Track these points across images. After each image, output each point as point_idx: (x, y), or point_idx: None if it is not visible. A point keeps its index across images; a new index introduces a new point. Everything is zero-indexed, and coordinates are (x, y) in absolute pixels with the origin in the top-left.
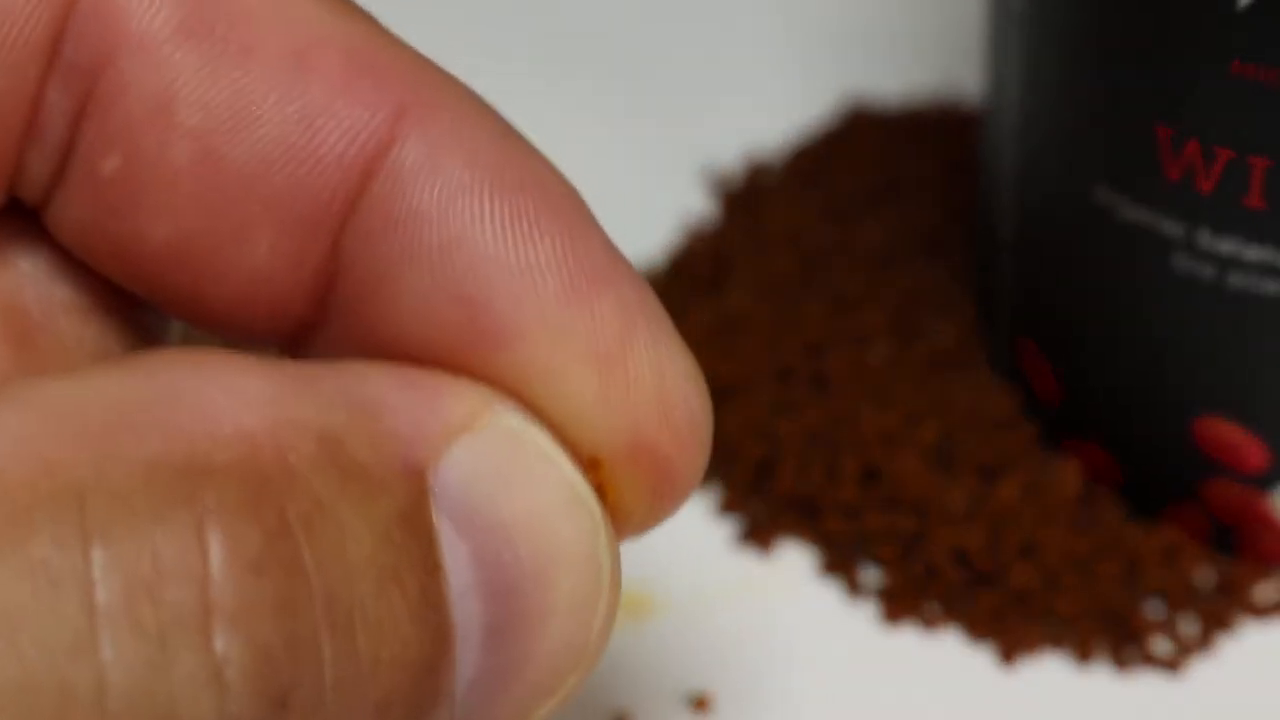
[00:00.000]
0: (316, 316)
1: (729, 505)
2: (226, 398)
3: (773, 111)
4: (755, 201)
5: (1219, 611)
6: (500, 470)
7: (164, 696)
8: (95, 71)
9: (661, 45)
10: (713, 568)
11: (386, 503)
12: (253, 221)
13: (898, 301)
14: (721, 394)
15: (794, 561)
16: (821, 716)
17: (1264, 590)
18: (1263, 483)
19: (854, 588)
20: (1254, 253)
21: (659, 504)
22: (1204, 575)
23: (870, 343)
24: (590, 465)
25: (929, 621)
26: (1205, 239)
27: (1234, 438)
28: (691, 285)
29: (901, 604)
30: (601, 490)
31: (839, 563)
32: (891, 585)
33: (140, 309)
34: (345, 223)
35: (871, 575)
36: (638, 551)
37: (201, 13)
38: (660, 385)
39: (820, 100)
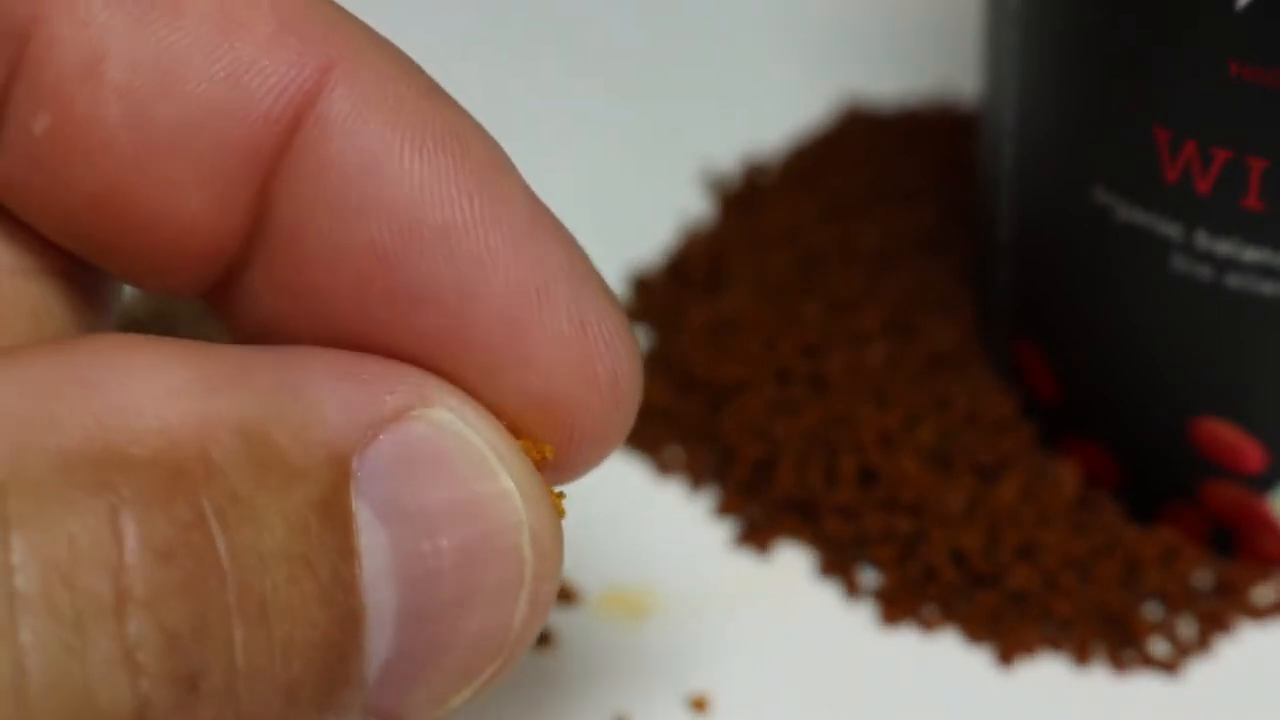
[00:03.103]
0: (242, 263)
1: (727, 506)
2: (146, 388)
3: (770, 112)
4: (753, 202)
5: (1217, 613)
6: (425, 460)
7: (80, 678)
8: (25, 32)
9: (659, 46)
10: (711, 569)
11: (306, 490)
12: (181, 176)
13: (896, 302)
14: (719, 395)
15: (792, 563)
16: (820, 718)
17: (1262, 592)
18: (1261, 484)
19: (852, 589)
20: (1252, 254)
21: (580, 455)
22: (1202, 576)
23: (868, 343)
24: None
25: (927, 623)
26: (1203, 240)
27: (1232, 439)
28: (689, 285)
29: (900, 605)
30: (541, 460)
31: (837, 564)
32: (890, 586)
33: (82, 267)
34: (272, 173)
35: (870, 576)
36: (637, 552)
37: None
38: (581, 339)
39: (818, 101)
